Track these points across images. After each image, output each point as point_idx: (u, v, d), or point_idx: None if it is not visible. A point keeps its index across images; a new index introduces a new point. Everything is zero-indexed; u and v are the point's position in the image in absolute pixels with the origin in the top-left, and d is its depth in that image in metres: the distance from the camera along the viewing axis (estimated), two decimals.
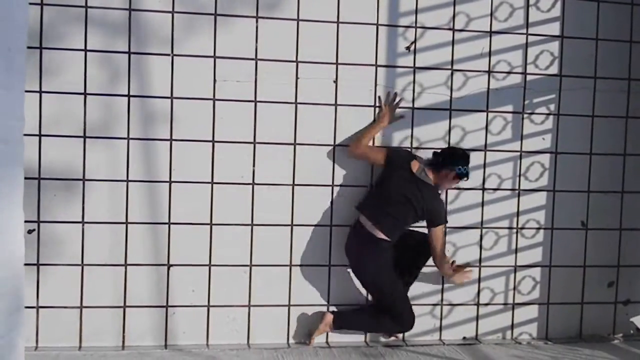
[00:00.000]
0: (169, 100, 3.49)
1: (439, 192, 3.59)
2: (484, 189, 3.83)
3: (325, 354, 3.52)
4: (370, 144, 3.64)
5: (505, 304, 3.89)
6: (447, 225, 3.73)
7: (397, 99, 3.68)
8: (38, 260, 3.39)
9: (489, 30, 3.79)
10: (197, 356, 3.41)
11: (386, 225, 3.48)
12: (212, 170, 3.54)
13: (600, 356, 3.65)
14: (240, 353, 3.49)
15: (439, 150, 3.63)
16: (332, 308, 3.69)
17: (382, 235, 3.47)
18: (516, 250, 3.89)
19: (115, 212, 3.46)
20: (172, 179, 3.51)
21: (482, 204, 3.83)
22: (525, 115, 3.86)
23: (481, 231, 3.84)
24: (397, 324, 3.59)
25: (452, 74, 3.77)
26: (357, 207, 3.59)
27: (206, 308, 3.58)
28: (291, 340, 3.66)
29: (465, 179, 3.57)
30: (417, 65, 3.73)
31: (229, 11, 3.52)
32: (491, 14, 3.79)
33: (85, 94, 3.41)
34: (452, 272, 3.59)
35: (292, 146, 3.62)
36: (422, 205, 3.49)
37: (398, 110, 3.68)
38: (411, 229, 3.64)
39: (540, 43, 3.85)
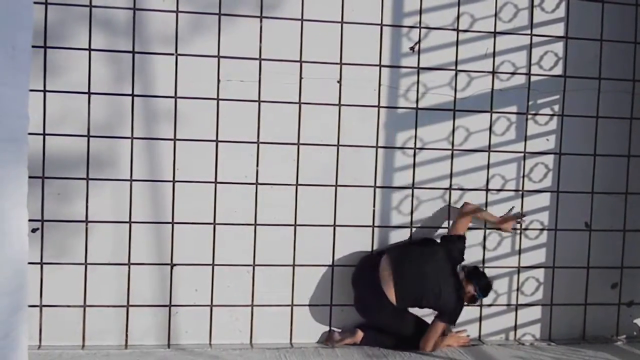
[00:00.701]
0: (173, 99, 3.49)
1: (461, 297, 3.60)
2: (487, 190, 3.82)
3: (328, 353, 3.52)
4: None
5: (508, 304, 3.89)
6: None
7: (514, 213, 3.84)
8: (42, 259, 3.40)
9: (493, 30, 3.79)
10: (200, 356, 3.42)
11: (403, 297, 3.48)
12: (215, 170, 3.54)
13: (604, 357, 3.64)
14: (243, 353, 3.49)
15: (480, 268, 3.73)
16: (335, 308, 3.69)
17: (392, 299, 3.47)
18: (520, 251, 3.88)
19: (119, 212, 3.47)
20: (176, 179, 3.51)
21: (486, 205, 3.82)
22: (529, 116, 3.85)
23: (485, 232, 3.84)
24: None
25: (456, 74, 3.76)
26: (391, 257, 3.54)
27: (209, 307, 3.58)
28: (294, 340, 3.66)
29: (473, 303, 3.67)
30: (421, 65, 3.73)
31: (233, 11, 3.52)
32: (495, 15, 3.78)
33: (89, 93, 3.41)
34: (444, 341, 3.63)
35: (296, 146, 3.62)
36: (445, 298, 3.49)
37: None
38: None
39: (545, 44, 3.85)
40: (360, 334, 3.60)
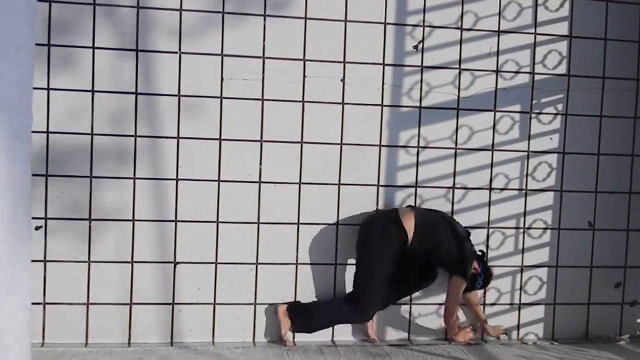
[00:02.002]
0: (177, 97, 3.49)
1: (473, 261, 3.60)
2: (491, 189, 3.82)
3: (331, 352, 3.52)
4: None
5: (511, 304, 3.89)
6: None
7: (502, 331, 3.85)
8: (45, 257, 3.40)
9: (497, 29, 3.78)
10: (203, 354, 3.42)
11: (419, 236, 3.47)
12: (218, 168, 3.55)
13: (607, 357, 3.63)
14: (246, 351, 3.49)
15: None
16: None
17: (409, 232, 3.46)
18: (523, 250, 3.88)
19: (122, 210, 3.47)
20: (179, 177, 3.51)
21: (489, 204, 3.82)
22: (532, 115, 3.85)
23: (488, 231, 3.83)
24: (357, 311, 3.50)
25: (459, 73, 3.76)
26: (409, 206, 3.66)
27: (212, 306, 3.58)
28: (297, 339, 3.65)
29: (470, 289, 3.66)
30: (424, 64, 3.72)
31: (237, 9, 3.52)
32: (499, 13, 3.78)
33: (93, 91, 3.42)
34: (456, 332, 3.65)
35: (299, 144, 3.62)
36: (453, 252, 3.50)
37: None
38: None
39: (549, 42, 3.84)
40: (283, 306, 3.55)
